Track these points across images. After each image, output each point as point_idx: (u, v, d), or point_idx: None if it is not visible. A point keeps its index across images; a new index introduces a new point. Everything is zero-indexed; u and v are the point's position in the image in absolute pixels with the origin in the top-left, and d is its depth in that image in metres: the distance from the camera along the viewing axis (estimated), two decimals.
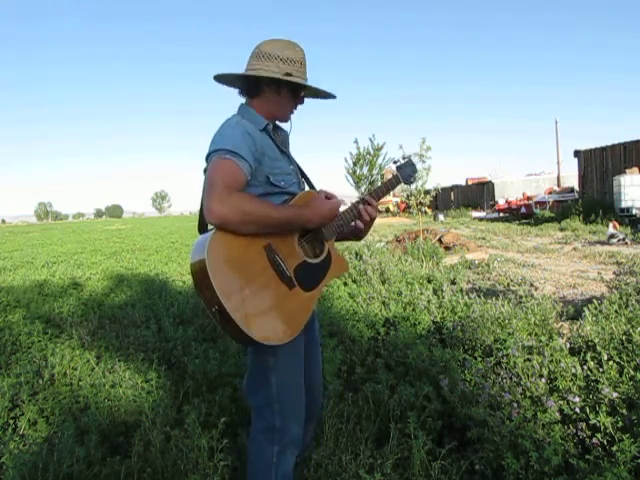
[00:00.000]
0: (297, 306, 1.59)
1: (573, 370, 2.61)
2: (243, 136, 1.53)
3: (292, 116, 1.78)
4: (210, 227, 1.52)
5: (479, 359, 3.01)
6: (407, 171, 1.92)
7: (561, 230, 16.44)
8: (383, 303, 4.71)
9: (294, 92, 1.71)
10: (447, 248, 10.08)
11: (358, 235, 1.92)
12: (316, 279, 1.65)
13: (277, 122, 1.77)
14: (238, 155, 1.49)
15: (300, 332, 1.61)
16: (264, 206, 1.49)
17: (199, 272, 1.45)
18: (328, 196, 1.69)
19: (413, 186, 10.63)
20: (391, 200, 41.70)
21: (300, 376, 1.73)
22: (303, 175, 1.89)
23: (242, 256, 1.50)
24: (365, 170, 13.80)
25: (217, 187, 1.42)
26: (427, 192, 10.96)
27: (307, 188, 1.85)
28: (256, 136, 1.58)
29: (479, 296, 4.60)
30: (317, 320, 1.99)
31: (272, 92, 1.68)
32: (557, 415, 2.27)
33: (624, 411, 2.24)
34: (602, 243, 11.70)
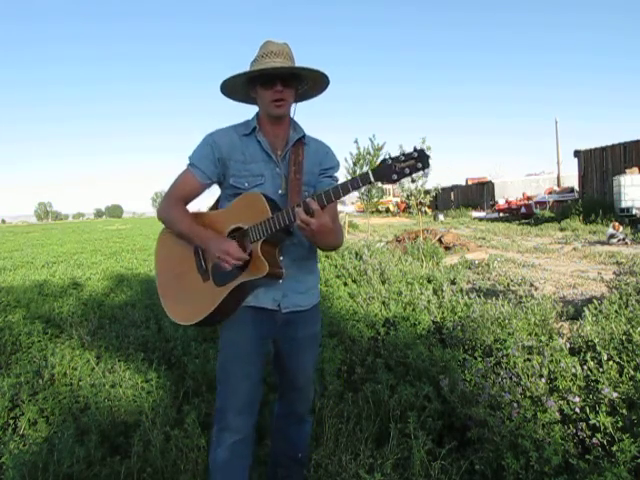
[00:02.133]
0: (205, 297, 1.75)
1: (573, 370, 2.61)
2: (203, 147, 1.77)
3: (292, 108, 1.79)
4: None
5: (479, 359, 3.01)
6: (391, 169, 1.51)
7: (561, 230, 16.44)
8: (383, 303, 4.71)
9: (263, 84, 1.72)
10: (447, 248, 10.08)
11: (315, 244, 1.78)
12: (230, 276, 1.70)
13: (277, 120, 1.79)
14: (194, 165, 1.78)
15: (227, 322, 1.80)
16: (180, 219, 1.80)
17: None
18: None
19: (413, 186, 10.62)
20: (391, 200, 41.70)
21: (242, 367, 1.77)
22: (295, 182, 1.78)
23: (174, 245, 1.87)
24: (365, 170, 13.77)
25: (166, 192, 1.86)
26: (427, 192, 10.97)
27: (289, 192, 1.77)
28: (223, 143, 1.76)
29: (479, 296, 4.60)
30: (312, 323, 1.92)
31: (254, 92, 1.78)
32: (557, 415, 2.27)
33: (624, 411, 2.24)
34: (602, 243, 11.70)
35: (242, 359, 1.78)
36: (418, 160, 1.46)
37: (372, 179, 1.49)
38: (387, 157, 1.48)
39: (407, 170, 1.46)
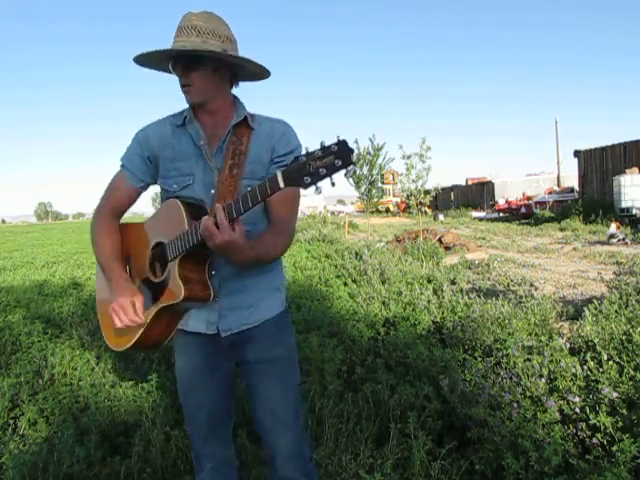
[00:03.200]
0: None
1: (573, 370, 2.61)
2: (133, 145, 1.57)
3: (190, 95, 1.46)
4: None
5: (479, 359, 3.01)
6: (304, 170, 1.16)
7: (561, 230, 16.44)
8: (383, 303, 4.71)
9: (172, 68, 1.47)
10: (447, 248, 10.08)
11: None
12: (153, 299, 1.48)
13: (202, 107, 1.51)
14: (124, 167, 1.58)
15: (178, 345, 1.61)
16: (100, 244, 1.58)
17: None
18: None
19: (413, 186, 10.62)
20: (391, 200, 41.71)
21: (195, 396, 1.58)
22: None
23: None
24: (365, 170, 13.78)
25: (98, 202, 1.64)
26: (427, 192, 10.97)
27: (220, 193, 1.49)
28: (153, 139, 1.53)
29: (479, 296, 4.60)
30: (270, 342, 1.56)
31: None
32: (557, 415, 2.27)
33: (624, 411, 2.24)
34: (602, 243, 11.70)
35: (193, 388, 1.59)
36: (337, 156, 1.12)
37: (282, 185, 1.16)
38: (300, 155, 1.16)
39: (323, 171, 1.12)
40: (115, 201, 1.59)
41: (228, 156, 1.48)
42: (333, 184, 1.16)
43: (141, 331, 1.47)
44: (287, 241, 1.54)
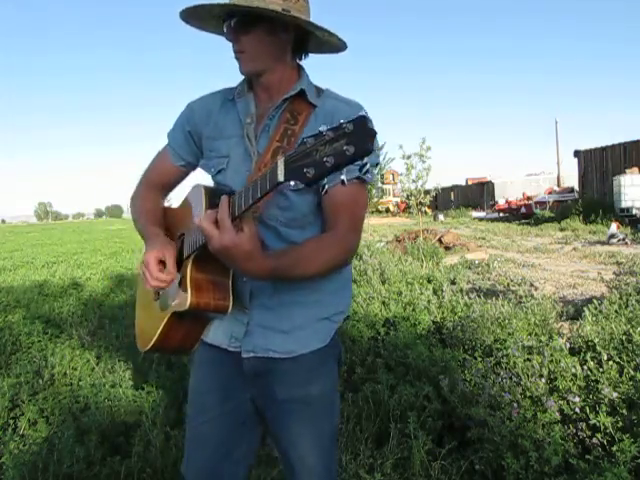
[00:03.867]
0: (152, 321, 1.28)
1: (573, 370, 2.61)
2: (180, 118, 1.36)
3: (241, 63, 1.21)
4: None
5: (479, 359, 3.01)
6: (308, 159, 0.83)
7: (561, 230, 16.44)
8: (383, 303, 4.71)
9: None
10: (447, 248, 10.09)
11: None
12: (169, 300, 1.21)
13: (256, 79, 1.25)
14: (169, 143, 1.38)
15: (192, 352, 1.33)
16: (139, 212, 1.36)
17: None
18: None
19: (413, 186, 10.63)
20: (391, 200, 41.72)
21: (193, 424, 1.31)
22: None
23: None
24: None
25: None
26: (427, 192, 10.97)
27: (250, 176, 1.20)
28: (198, 113, 1.31)
29: (479, 296, 4.60)
30: (301, 380, 1.23)
31: None
32: (557, 415, 2.27)
33: (624, 411, 2.24)
34: (602, 243, 11.70)
35: (197, 416, 1.29)
36: (349, 140, 0.78)
37: (281, 177, 0.85)
38: (304, 138, 0.83)
39: (329, 161, 0.79)
40: (156, 176, 1.40)
41: (274, 137, 1.18)
42: (344, 182, 0.84)
43: (159, 331, 1.23)
44: (343, 254, 1.15)
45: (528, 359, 2.83)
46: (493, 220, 25.75)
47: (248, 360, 1.22)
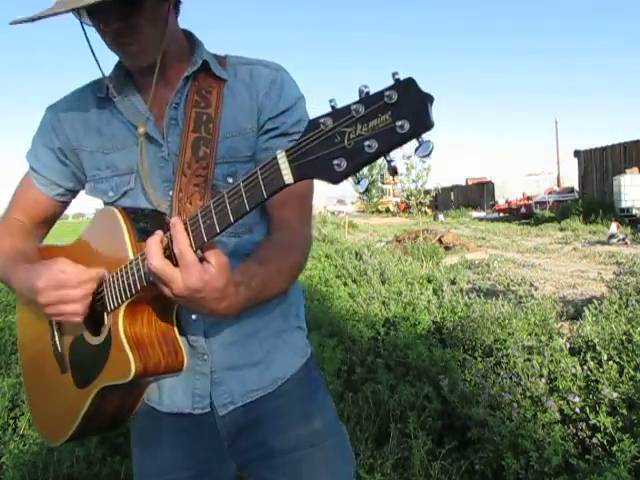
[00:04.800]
0: (63, 403, 0.98)
1: (573, 370, 2.61)
2: (38, 131, 1.02)
3: (134, 58, 0.88)
4: None
5: (479, 359, 3.01)
6: (332, 145, 0.58)
7: (561, 230, 16.44)
8: (383, 303, 4.71)
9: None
10: (447, 248, 10.09)
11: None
12: (91, 372, 0.89)
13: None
14: (32, 168, 1.02)
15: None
16: (0, 250, 0.99)
17: None
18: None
19: (413, 186, 10.64)
20: (391, 200, 41.72)
21: None
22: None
23: (27, 309, 1.05)
24: (365, 170, 13.82)
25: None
26: (427, 192, 10.98)
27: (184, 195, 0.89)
28: (67, 120, 0.98)
29: (479, 296, 4.61)
30: (299, 410, 0.99)
31: None
32: (557, 415, 2.27)
33: (624, 411, 2.24)
34: (602, 243, 11.70)
35: None
36: (399, 113, 0.54)
37: (288, 179, 0.61)
38: (315, 119, 0.59)
39: (371, 145, 0.55)
40: (24, 211, 1.03)
41: (188, 128, 0.90)
42: (395, 170, 0.59)
43: (81, 414, 0.92)
44: (304, 254, 0.96)
45: (528, 359, 2.83)
46: (493, 220, 25.76)
47: (224, 417, 0.94)
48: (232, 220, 0.67)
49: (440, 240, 10.54)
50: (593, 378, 2.55)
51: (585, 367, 2.66)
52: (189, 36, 0.98)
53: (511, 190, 33.68)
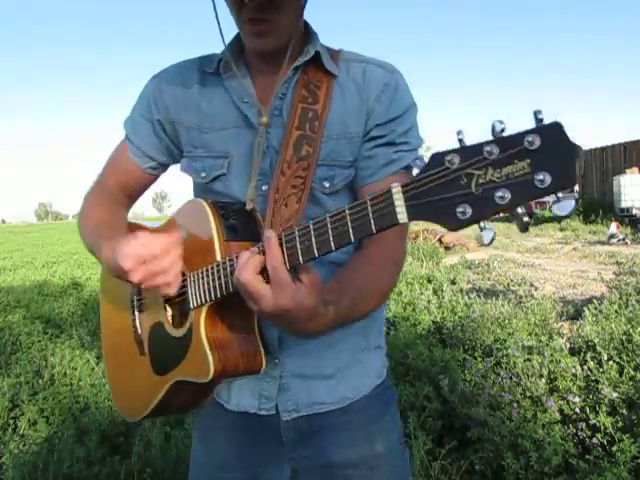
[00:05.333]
0: (140, 385, 0.98)
1: (573, 370, 2.61)
2: (139, 99, 0.99)
3: (266, 39, 0.83)
4: None
5: (479, 359, 3.01)
6: (458, 188, 0.53)
7: (561, 230, 16.44)
8: None
9: None
10: (447, 248, 10.09)
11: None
12: (169, 362, 0.89)
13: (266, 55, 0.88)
14: (128, 138, 1.00)
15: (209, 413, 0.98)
16: (94, 220, 0.98)
17: None
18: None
19: None
20: None
21: None
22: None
23: (114, 286, 1.04)
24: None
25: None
26: None
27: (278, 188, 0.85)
28: (168, 92, 0.94)
29: (479, 296, 4.61)
30: (362, 434, 0.93)
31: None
32: (557, 415, 2.27)
33: (624, 411, 2.24)
34: (602, 243, 11.69)
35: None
36: (538, 163, 0.48)
37: (403, 217, 0.56)
38: (439, 153, 0.54)
39: (504, 196, 0.50)
40: (114, 183, 1.02)
41: (292, 124, 0.85)
42: (527, 226, 0.53)
43: (156, 400, 0.93)
44: (397, 272, 0.90)
45: (528, 359, 2.83)
46: (493, 220, 25.72)
47: (288, 422, 0.92)
48: (333, 248, 0.62)
49: (440, 240, 10.53)
50: (593, 378, 2.55)
51: (585, 367, 2.66)
52: (306, 25, 0.93)
53: None
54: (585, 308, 3.85)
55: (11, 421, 2.71)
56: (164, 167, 1.03)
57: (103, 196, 1.02)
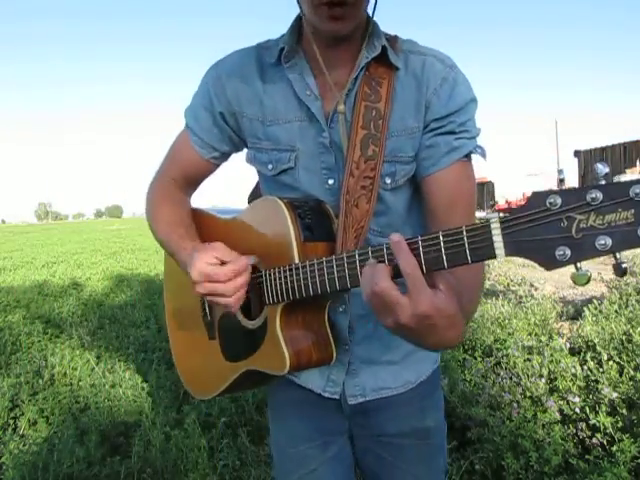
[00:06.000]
0: (210, 368, 1.02)
1: (573, 370, 2.61)
2: (199, 90, 0.98)
3: (343, 23, 0.80)
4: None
5: (479, 359, 3.01)
6: (559, 231, 0.54)
7: None
8: None
9: None
10: None
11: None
12: (241, 351, 0.93)
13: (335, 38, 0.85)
14: (189, 127, 0.99)
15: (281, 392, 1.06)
16: (160, 213, 1.00)
17: None
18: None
19: None
20: None
21: (296, 472, 1.05)
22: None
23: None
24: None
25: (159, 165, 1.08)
26: None
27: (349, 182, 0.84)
28: (230, 83, 0.93)
29: None
30: (419, 410, 1.01)
31: None
32: (557, 415, 2.27)
33: (624, 411, 2.24)
34: None
35: (297, 469, 1.04)
36: None
37: (500, 252, 0.57)
38: (540, 193, 0.55)
39: (605, 243, 0.53)
40: (178, 171, 1.03)
41: (357, 122, 0.84)
42: (625, 271, 0.56)
43: (228, 382, 0.98)
44: (484, 272, 0.92)
45: (528, 359, 2.83)
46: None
47: (356, 405, 0.97)
48: (424, 271, 0.62)
49: None
50: (593, 378, 2.55)
51: (585, 367, 2.66)
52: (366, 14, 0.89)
53: (511, 190, 33.71)
54: (585, 308, 3.85)
55: (11, 421, 2.71)
56: (226, 156, 1.03)
57: (169, 187, 1.03)
